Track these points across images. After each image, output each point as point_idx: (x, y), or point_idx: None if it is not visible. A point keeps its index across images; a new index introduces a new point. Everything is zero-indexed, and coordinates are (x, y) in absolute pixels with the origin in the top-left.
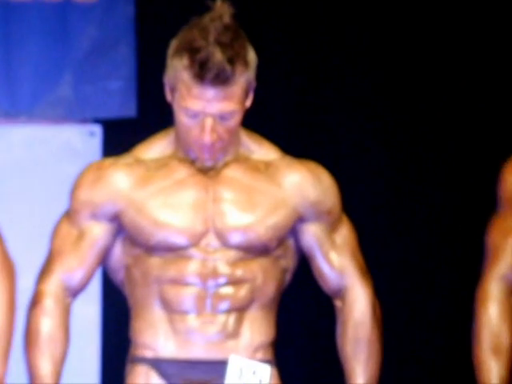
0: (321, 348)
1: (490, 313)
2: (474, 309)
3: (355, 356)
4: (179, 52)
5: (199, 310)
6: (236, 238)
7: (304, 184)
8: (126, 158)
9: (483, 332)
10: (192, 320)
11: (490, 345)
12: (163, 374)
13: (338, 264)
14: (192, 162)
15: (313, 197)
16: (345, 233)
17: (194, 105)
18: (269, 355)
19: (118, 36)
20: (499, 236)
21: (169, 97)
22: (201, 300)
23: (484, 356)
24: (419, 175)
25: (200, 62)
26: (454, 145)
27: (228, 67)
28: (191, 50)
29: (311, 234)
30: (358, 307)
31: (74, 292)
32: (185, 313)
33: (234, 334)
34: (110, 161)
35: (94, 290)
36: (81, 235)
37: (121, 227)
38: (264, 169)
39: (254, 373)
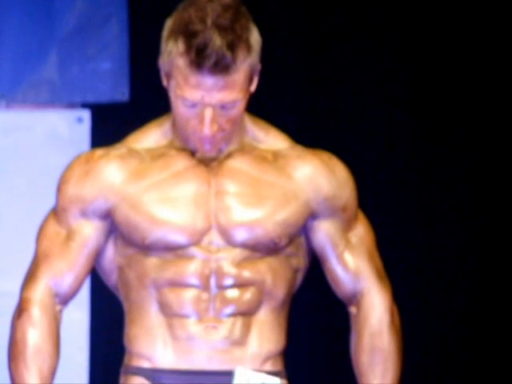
0: (335, 358)
1: None
2: None
3: (371, 369)
4: (174, 35)
5: (201, 315)
6: (242, 236)
7: (317, 177)
8: (118, 149)
9: None
10: (193, 325)
11: None
12: None
13: (354, 266)
14: (191, 153)
15: (326, 191)
16: (361, 232)
17: (192, 95)
18: (278, 366)
19: (108, 12)
20: None
21: (164, 82)
22: (203, 303)
23: None
24: (440, 169)
25: (197, 48)
26: (476, 138)
27: (228, 53)
28: (187, 34)
29: (324, 232)
30: (374, 314)
31: (63, 299)
32: (185, 317)
33: (241, 341)
34: (100, 152)
35: (82, 295)
36: (70, 235)
37: (113, 225)
38: (272, 159)
39: None
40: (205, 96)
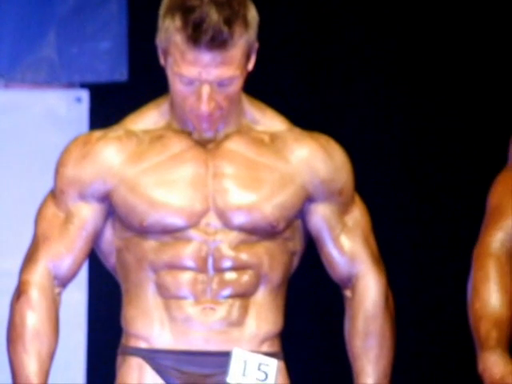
0: (332, 339)
1: (488, 268)
2: (471, 265)
3: (365, 352)
4: (171, 11)
5: (198, 296)
6: (239, 219)
7: (314, 160)
8: (116, 131)
9: (480, 286)
10: (190, 307)
11: (488, 296)
12: (158, 367)
13: (349, 249)
14: (189, 134)
15: (323, 174)
16: (357, 215)
17: (189, 71)
18: (276, 347)
19: None
20: (503, 192)
21: (162, 61)
22: (199, 285)
23: (481, 307)
24: (436, 154)
25: (194, 24)
26: (474, 127)
27: (225, 29)
28: (184, 10)
29: (320, 215)
30: (369, 298)
31: (62, 281)
32: (182, 298)
33: (238, 322)
34: (98, 134)
35: (81, 276)
36: (68, 218)
37: (112, 208)
38: (269, 141)
39: (259, 367)
40: (202, 72)
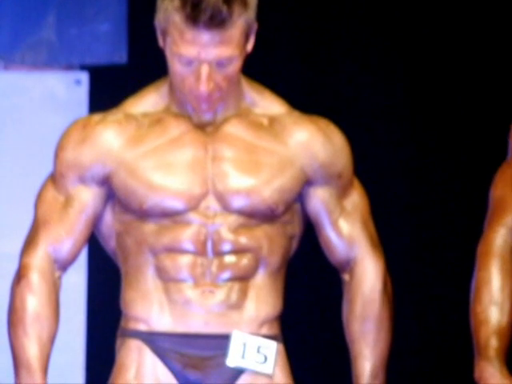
0: (331, 322)
1: (492, 268)
2: (475, 263)
3: (363, 336)
4: None
5: (197, 279)
6: (238, 202)
7: (313, 143)
8: (115, 114)
9: (483, 287)
10: (190, 290)
11: (490, 300)
12: (157, 349)
13: (348, 233)
14: (188, 118)
15: (322, 158)
16: (356, 199)
17: (188, 51)
18: (275, 329)
19: None
20: (505, 187)
21: (161, 42)
22: (199, 268)
23: (483, 311)
24: (438, 144)
25: (192, 3)
26: (476, 117)
27: (224, 8)
28: None
29: (319, 198)
30: (367, 282)
31: (62, 265)
32: (181, 281)
33: (237, 305)
34: (97, 117)
35: (80, 258)
36: (68, 201)
37: (111, 191)
38: (268, 125)
39: (258, 350)
40: (201, 52)
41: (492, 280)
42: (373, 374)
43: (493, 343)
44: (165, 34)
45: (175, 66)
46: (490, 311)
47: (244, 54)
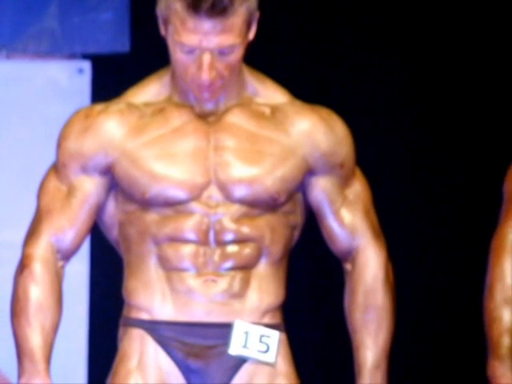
0: (333, 311)
1: (505, 264)
2: (489, 259)
3: (365, 325)
4: None
5: (200, 268)
6: (241, 192)
7: (315, 132)
8: (117, 104)
9: (496, 284)
10: (192, 279)
11: (502, 297)
12: (160, 338)
13: (350, 222)
14: (190, 107)
15: (324, 147)
16: (358, 188)
17: (190, 39)
18: (277, 319)
19: None
20: None
21: (162, 31)
22: (201, 258)
23: (495, 308)
24: (449, 138)
25: None
26: (488, 112)
27: None
28: None
29: (321, 188)
30: (369, 271)
31: (65, 254)
32: (184, 271)
33: (240, 294)
34: (99, 107)
35: (83, 247)
36: (71, 191)
37: (114, 181)
38: (270, 114)
39: (260, 339)
40: (203, 40)
41: (505, 277)
42: (375, 363)
43: (505, 341)
44: (166, 22)
45: (177, 55)
46: (503, 309)
47: (246, 42)
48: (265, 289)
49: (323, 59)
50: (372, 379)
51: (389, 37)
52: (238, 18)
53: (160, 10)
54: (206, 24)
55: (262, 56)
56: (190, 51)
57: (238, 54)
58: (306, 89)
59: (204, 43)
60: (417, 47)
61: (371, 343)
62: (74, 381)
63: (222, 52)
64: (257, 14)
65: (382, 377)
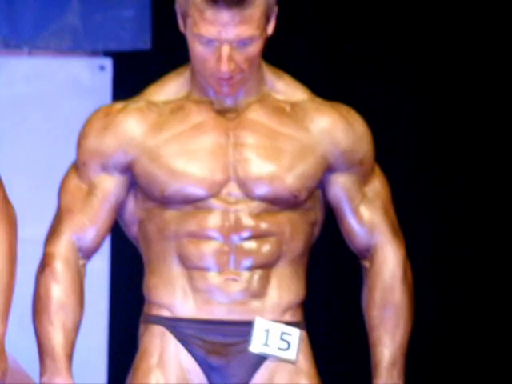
0: (355, 309)
1: None
2: None
3: (382, 323)
4: None
5: (222, 267)
6: (261, 189)
7: (334, 130)
8: (137, 102)
9: None
10: (213, 277)
11: None
12: (181, 335)
13: (368, 220)
14: (210, 104)
15: (344, 144)
16: (377, 186)
17: (208, 31)
18: (298, 316)
19: None
20: None
21: (181, 26)
22: (223, 256)
23: None
24: (463, 134)
25: None
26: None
27: None
28: None
29: (340, 185)
30: (387, 269)
31: (86, 253)
32: (205, 269)
33: (260, 293)
34: (119, 105)
35: (103, 244)
36: (91, 190)
37: (133, 179)
38: (290, 111)
39: (281, 336)
40: (221, 31)
41: None
42: (391, 361)
43: None
44: (185, 16)
45: (196, 48)
46: None
47: (265, 35)
48: (285, 287)
49: (341, 61)
50: (388, 377)
51: (407, 44)
52: (256, 9)
53: (178, 4)
54: (225, 15)
55: (280, 54)
56: (209, 43)
57: (256, 47)
58: (323, 89)
59: (223, 34)
60: (427, 51)
61: (388, 341)
62: (94, 377)
63: (240, 44)
64: (275, 9)
65: (399, 375)
